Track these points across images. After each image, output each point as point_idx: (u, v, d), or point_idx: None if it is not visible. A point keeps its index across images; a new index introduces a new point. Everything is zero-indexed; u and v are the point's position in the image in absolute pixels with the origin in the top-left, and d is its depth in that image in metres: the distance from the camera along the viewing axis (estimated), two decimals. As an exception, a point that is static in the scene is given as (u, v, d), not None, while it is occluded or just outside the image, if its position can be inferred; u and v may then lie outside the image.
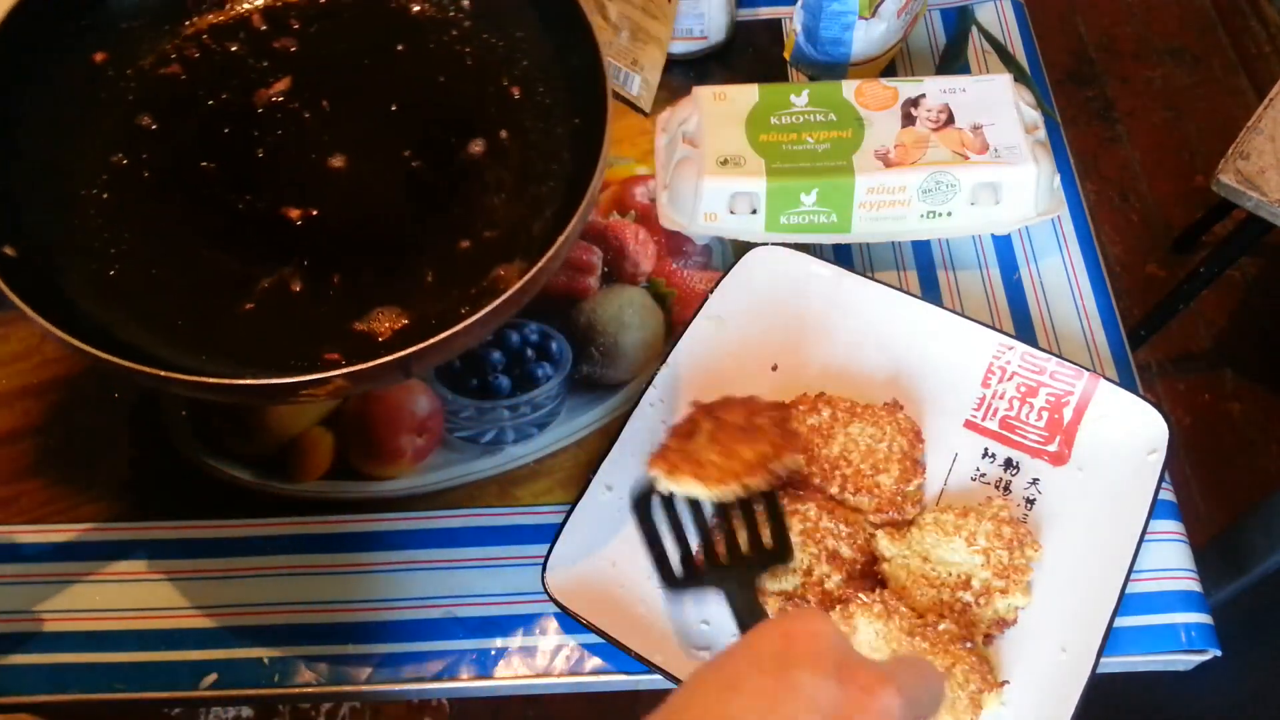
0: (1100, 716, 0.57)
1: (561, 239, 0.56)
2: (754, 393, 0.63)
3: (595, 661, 0.60)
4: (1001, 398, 0.66)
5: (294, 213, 0.62)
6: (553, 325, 0.72)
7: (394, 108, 0.67)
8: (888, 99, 0.72)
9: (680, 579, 0.58)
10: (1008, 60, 0.84)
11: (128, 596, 0.62)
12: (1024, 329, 0.70)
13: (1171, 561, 0.61)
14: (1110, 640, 0.55)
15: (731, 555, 0.57)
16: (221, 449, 0.68)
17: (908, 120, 0.71)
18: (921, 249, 0.74)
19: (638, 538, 0.59)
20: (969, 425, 0.65)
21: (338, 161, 0.64)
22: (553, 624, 0.60)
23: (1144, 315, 1.57)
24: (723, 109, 0.72)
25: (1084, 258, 0.73)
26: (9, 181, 0.60)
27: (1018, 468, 0.63)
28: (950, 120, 0.71)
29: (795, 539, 0.60)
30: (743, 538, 0.58)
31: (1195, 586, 0.61)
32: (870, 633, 0.56)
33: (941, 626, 0.56)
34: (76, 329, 0.52)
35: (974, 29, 0.86)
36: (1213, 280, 1.44)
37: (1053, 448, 0.64)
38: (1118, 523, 0.60)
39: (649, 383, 0.66)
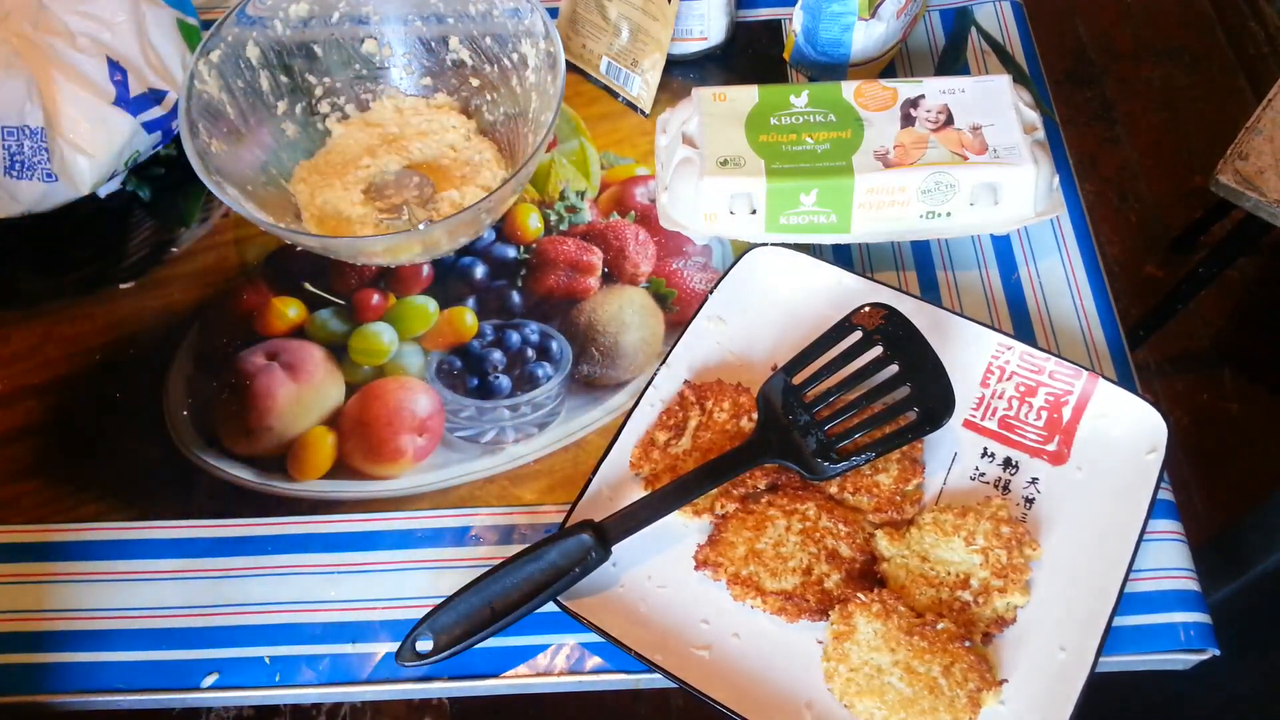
0: (1099, 715, 0.57)
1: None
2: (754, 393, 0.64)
3: (595, 661, 0.60)
4: (1000, 397, 0.66)
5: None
6: (553, 325, 0.72)
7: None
8: (887, 99, 0.72)
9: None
10: (1007, 61, 0.84)
11: (128, 596, 0.62)
12: (1023, 329, 0.70)
13: (1170, 561, 0.61)
14: (1109, 639, 0.55)
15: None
16: (222, 449, 0.68)
17: (907, 121, 0.71)
18: (921, 249, 0.74)
19: (637, 537, 0.59)
20: (968, 425, 0.65)
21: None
22: (553, 623, 0.60)
23: (1142, 315, 1.57)
24: (723, 110, 0.72)
25: (1083, 258, 0.73)
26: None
27: (1017, 467, 0.64)
28: (949, 121, 0.71)
29: (794, 539, 0.60)
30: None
31: (1194, 586, 0.61)
32: (869, 632, 0.56)
33: (940, 625, 0.56)
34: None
35: (973, 30, 0.87)
36: (1211, 280, 1.45)
37: (1052, 447, 0.64)
38: (1116, 522, 0.60)
39: (649, 383, 0.66)
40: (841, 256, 0.74)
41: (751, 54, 0.86)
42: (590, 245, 0.75)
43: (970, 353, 0.66)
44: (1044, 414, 0.65)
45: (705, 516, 0.61)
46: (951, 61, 0.85)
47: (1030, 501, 0.62)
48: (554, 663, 0.60)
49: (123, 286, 0.76)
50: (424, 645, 0.57)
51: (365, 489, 0.66)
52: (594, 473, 0.63)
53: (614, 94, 0.84)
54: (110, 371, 0.72)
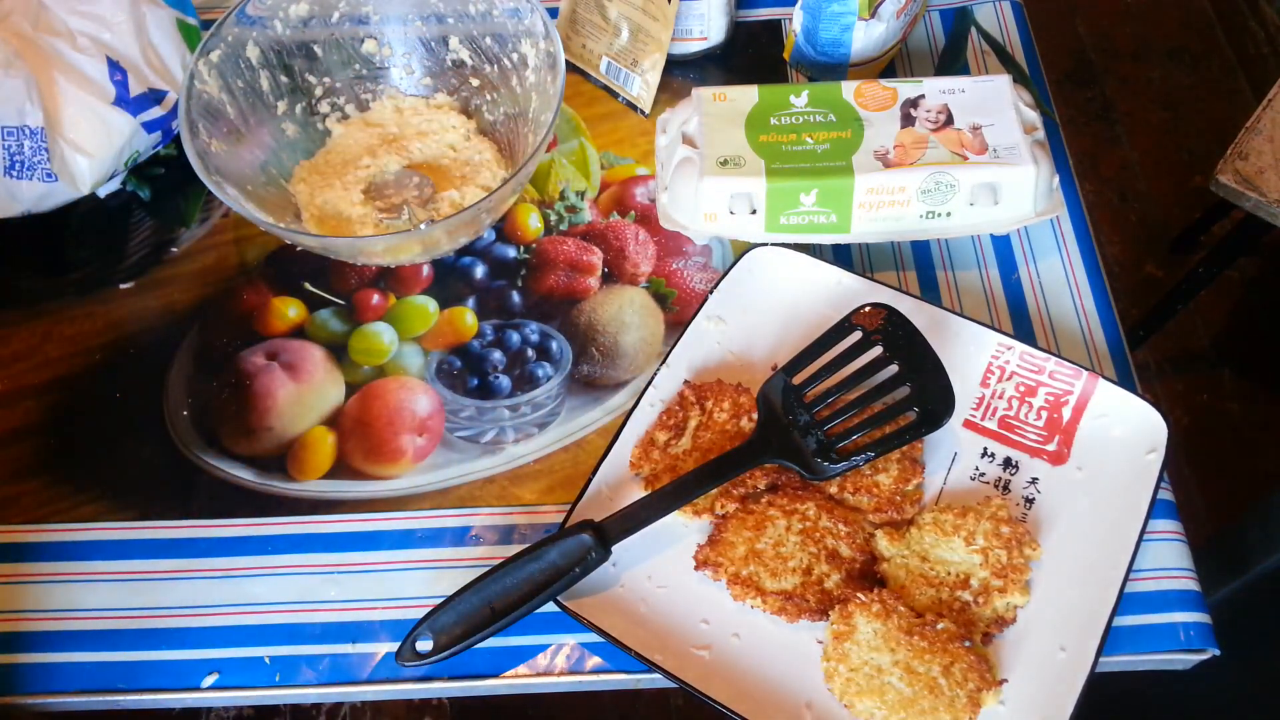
0: (1099, 715, 0.57)
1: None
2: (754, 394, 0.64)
3: (595, 661, 0.60)
4: (1000, 397, 0.66)
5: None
6: (553, 325, 0.72)
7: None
8: (887, 99, 0.72)
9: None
10: (1007, 61, 0.84)
11: (128, 596, 0.62)
12: (1023, 329, 0.70)
13: (1170, 561, 0.61)
14: (1109, 639, 0.55)
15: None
16: (222, 449, 0.68)
17: (907, 121, 0.71)
18: (921, 249, 0.74)
19: (637, 537, 0.59)
20: (968, 425, 0.65)
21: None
22: (553, 623, 0.60)
23: (1142, 315, 1.57)
24: (722, 109, 0.72)
25: (1083, 258, 0.73)
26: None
27: (1017, 467, 0.64)
28: (949, 121, 0.71)
29: (794, 539, 0.60)
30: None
31: (1194, 586, 0.61)
32: (869, 632, 0.56)
33: (940, 625, 0.56)
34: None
35: (973, 30, 0.87)
36: (1211, 280, 1.45)
37: (1051, 447, 0.64)
38: (1116, 522, 0.60)
39: (649, 383, 0.66)
40: (841, 256, 0.74)
41: (751, 54, 0.86)
42: (590, 245, 0.75)
43: (970, 353, 0.66)
44: (1044, 414, 0.65)
45: (705, 516, 0.61)
46: (951, 61, 0.85)
47: (1030, 501, 0.62)
48: (554, 663, 0.60)
49: (123, 286, 0.76)
50: (424, 645, 0.57)
51: (365, 489, 0.66)
52: (594, 473, 0.63)
53: (614, 94, 0.84)
54: (110, 371, 0.72)
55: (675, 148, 0.72)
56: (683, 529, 0.62)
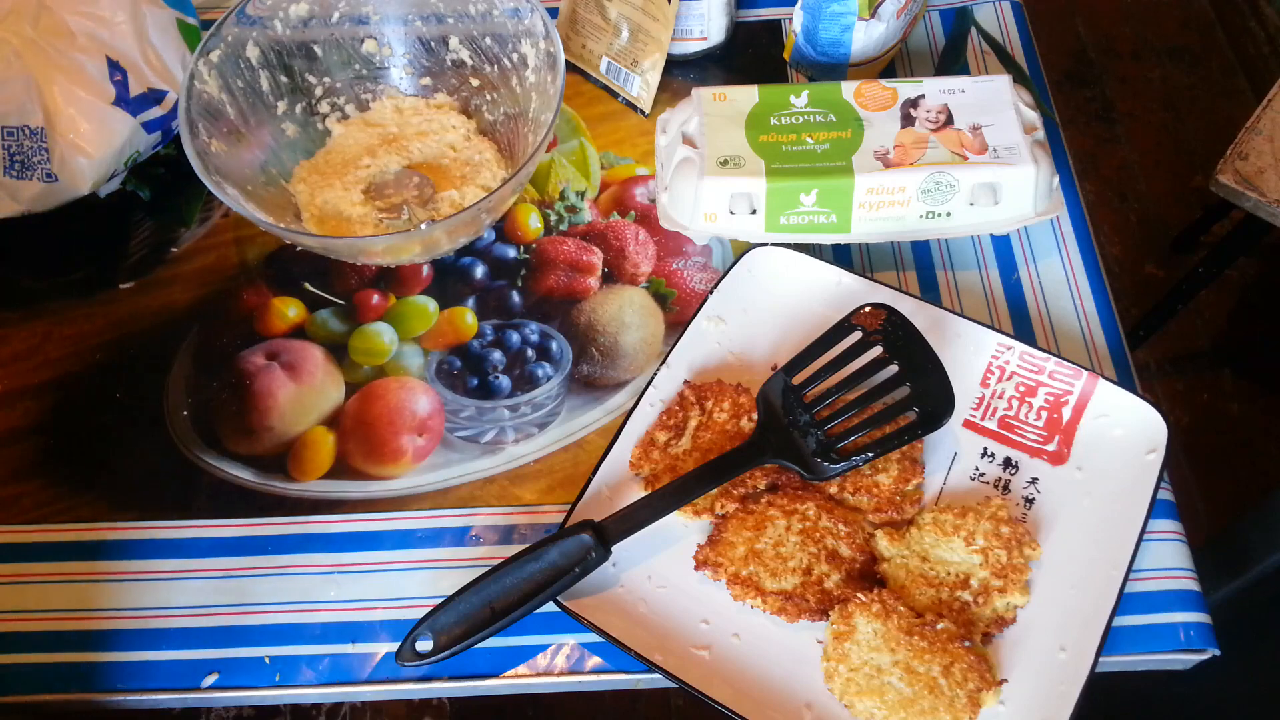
0: (1099, 715, 0.57)
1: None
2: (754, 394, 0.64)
3: (595, 661, 0.60)
4: (1000, 397, 0.66)
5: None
6: (553, 325, 0.72)
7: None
8: (887, 100, 0.72)
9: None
10: (1007, 61, 0.84)
11: (127, 597, 0.62)
12: (1023, 329, 0.70)
13: (1170, 561, 0.61)
14: (1109, 639, 0.55)
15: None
16: (222, 449, 0.68)
17: (907, 121, 0.71)
18: (921, 249, 0.74)
19: (637, 537, 0.59)
20: (968, 425, 0.65)
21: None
22: (553, 623, 0.60)
23: (1143, 315, 1.57)
24: (723, 110, 0.72)
25: (1083, 258, 0.73)
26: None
27: (1017, 467, 0.64)
28: (949, 121, 0.71)
29: (794, 539, 0.60)
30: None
31: (1194, 586, 0.61)
32: (869, 632, 0.56)
33: (940, 625, 0.56)
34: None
35: (973, 30, 0.87)
36: (1211, 280, 1.45)
37: (1051, 447, 0.64)
38: (1116, 522, 0.60)
39: (649, 383, 0.66)
40: (841, 256, 0.74)
41: (751, 54, 0.87)
42: (590, 245, 0.75)
43: (970, 353, 0.66)
44: (1044, 414, 0.65)
45: (705, 516, 0.61)
46: (951, 61, 0.85)
47: (1030, 501, 0.62)
48: (554, 663, 0.60)
49: (123, 286, 0.76)
50: (424, 645, 0.57)
51: (365, 489, 0.66)
52: (594, 473, 0.63)
53: (614, 94, 0.84)
54: (110, 371, 0.72)
55: (675, 148, 0.72)
56: (683, 529, 0.62)
